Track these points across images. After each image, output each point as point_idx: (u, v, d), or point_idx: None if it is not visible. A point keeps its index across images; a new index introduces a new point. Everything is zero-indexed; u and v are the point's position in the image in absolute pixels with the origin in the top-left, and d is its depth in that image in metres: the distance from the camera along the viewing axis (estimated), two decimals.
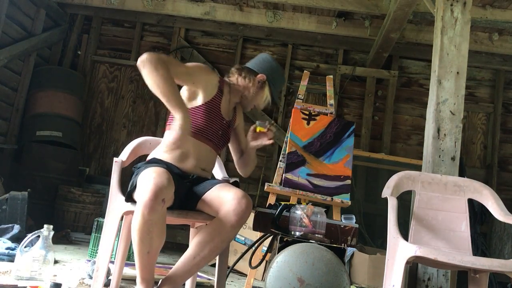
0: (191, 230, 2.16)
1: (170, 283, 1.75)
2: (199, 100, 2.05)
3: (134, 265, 2.57)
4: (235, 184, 2.05)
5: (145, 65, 1.80)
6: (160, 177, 1.66)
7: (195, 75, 2.02)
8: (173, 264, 3.79)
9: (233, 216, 1.76)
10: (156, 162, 1.94)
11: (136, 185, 1.76)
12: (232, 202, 1.78)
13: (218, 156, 2.21)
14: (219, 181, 2.02)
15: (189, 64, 2.06)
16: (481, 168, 5.09)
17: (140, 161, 2.06)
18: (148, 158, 2.05)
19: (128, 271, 2.49)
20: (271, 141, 2.18)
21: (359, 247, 3.61)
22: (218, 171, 2.30)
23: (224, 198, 1.83)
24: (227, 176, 2.24)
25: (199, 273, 2.20)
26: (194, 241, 1.80)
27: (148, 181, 1.64)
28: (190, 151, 2.01)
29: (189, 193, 1.96)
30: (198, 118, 2.03)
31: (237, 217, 1.76)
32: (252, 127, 2.19)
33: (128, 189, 1.82)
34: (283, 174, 2.82)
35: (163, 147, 2.04)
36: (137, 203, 1.63)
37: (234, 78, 2.21)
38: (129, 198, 1.82)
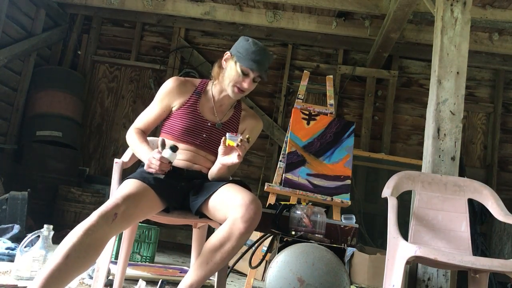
0: (194, 230, 2.16)
1: None
2: (175, 107, 2.05)
3: (135, 265, 2.58)
4: (240, 184, 1.93)
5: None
6: (122, 190, 1.68)
7: (163, 105, 2.04)
8: (173, 264, 3.78)
9: (241, 224, 1.67)
10: (142, 168, 1.92)
11: None
12: (240, 209, 1.68)
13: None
14: (223, 182, 1.93)
15: (156, 97, 2.05)
16: (481, 168, 5.09)
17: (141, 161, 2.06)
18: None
19: (129, 271, 2.49)
20: (237, 160, 1.81)
21: (359, 247, 3.61)
22: None
23: (231, 203, 1.74)
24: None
25: None
26: (205, 247, 1.75)
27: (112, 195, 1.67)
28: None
29: (188, 197, 1.93)
30: (174, 122, 2.03)
31: (246, 224, 1.68)
32: (222, 139, 1.86)
33: None
34: (283, 174, 2.82)
35: None
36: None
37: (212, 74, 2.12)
38: None
